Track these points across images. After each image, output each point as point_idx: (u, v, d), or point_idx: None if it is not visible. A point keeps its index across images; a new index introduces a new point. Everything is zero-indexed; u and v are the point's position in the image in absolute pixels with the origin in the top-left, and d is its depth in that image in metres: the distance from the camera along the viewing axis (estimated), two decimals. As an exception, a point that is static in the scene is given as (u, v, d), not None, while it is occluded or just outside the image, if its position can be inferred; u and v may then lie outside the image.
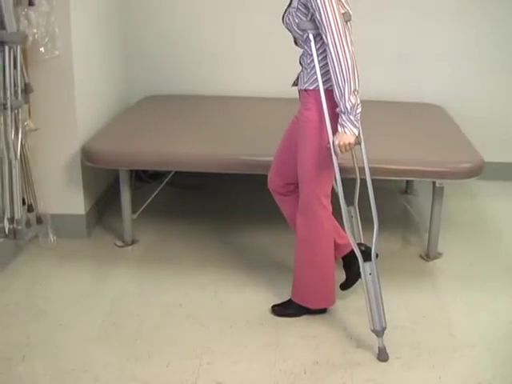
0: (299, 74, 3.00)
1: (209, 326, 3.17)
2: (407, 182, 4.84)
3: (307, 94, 2.93)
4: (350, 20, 2.81)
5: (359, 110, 2.77)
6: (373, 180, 2.97)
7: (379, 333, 2.92)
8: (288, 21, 2.87)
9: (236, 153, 3.70)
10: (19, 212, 3.53)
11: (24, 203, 3.68)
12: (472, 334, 3.13)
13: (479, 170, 3.61)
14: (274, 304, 3.30)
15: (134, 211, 3.96)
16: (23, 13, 3.43)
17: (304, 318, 3.22)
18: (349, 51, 2.68)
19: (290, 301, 3.26)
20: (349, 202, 3.09)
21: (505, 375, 2.83)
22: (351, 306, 3.31)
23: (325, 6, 2.66)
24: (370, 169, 2.98)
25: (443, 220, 3.78)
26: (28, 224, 3.70)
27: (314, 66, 2.83)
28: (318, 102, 2.85)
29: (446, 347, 3.02)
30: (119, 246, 3.95)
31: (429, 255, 3.84)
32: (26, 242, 3.81)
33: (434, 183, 3.68)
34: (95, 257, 3.87)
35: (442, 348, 3.01)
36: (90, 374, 2.79)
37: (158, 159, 3.73)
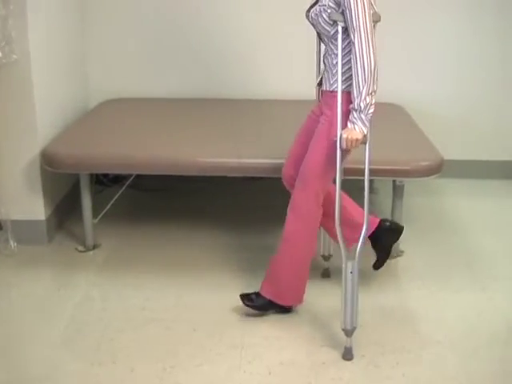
0: (323, 75, 3.02)
1: (173, 329, 3.15)
2: (368, 181, 4.86)
3: (332, 95, 2.94)
4: (378, 21, 2.81)
5: (371, 110, 2.79)
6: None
7: (349, 332, 2.92)
8: (314, 16, 2.88)
9: (195, 155, 3.69)
10: (-22, 218, 3.49)
11: (-17, 209, 3.64)
12: (436, 331, 3.16)
13: (439, 168, 3.64)
14: (242, 293, 3.26)
15: (95, 215, 3.92)
16: (-21, 16, 3.39)
17: (269, 319, 3.22)
18: (373, 53, 2.72)
19: (258, 294, 3.23)
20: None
21: (470, 371, 2.86)
22: (316, 307, 3.32)
23: (357, 5, 2.69)
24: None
25: (404, 218, 3.79)
26: (-13, 231, 3.66)
27: (337, 63, 2.84)
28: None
29: (410, 345, 3.04)
30: (81, 251, 3.91)
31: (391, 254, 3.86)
32: (-15, 249, 3.77)
33: (394, 182, 3.71)
34: (57, 262, 3.83)
35: (406, 345, 3.03)
36: (53, 381, 2.76)
37: (119, 162, 3.70)
